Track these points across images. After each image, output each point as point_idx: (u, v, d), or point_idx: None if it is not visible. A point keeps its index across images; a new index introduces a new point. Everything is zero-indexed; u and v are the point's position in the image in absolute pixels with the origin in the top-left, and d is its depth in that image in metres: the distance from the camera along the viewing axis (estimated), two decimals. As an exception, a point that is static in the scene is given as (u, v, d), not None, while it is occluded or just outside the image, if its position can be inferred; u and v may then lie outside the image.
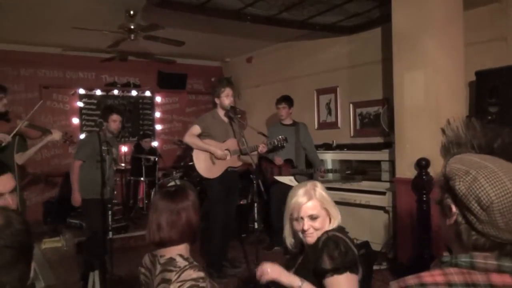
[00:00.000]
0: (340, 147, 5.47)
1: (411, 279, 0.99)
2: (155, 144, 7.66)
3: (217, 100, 4.20)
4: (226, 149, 4.16)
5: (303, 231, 1.77)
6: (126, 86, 7.64)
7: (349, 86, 5.80)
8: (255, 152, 4.33)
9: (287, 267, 1.92)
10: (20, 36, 6.09)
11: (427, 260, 3.45)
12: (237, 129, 4.22)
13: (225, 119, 4.22)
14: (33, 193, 6.53)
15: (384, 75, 5.08)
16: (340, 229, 1.82)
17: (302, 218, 1.77)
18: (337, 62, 5.91)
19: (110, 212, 3.68)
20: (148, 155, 6.73)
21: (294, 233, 1.85)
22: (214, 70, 8.32)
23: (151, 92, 7.87)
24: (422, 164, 3.60)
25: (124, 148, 7.22)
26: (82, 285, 3.77)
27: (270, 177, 4.87)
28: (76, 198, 3.93)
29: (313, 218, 1.77)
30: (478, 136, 1.02)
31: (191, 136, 4.13)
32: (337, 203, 1.90)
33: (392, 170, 4.43)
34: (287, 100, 4.99)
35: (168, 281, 1.55)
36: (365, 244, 3.73)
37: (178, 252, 1.64)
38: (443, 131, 1.06)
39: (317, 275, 1.69)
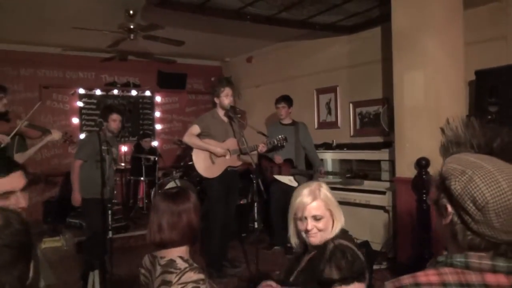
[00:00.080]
0: (340, 146, 5.47)
1: (406, 279, 0.99)
2: (155, 143, 7.66)
3: (216, 100, 4.20)
4: (226, 149, 4.17)
5: (307, 231, 1.76)
6: (126, 86, 7.65)
7: (349, 86, 5.80)
8: (255, 152, 4.33)
9: (291, 268, 1.92)
10: (20, 36, 6.09)
11: (427, 259, 3.43)
12: (237, 128, 4.22)
13: (225, 119, 4.22)
14: (33, 193, 6.52)
15: (384, 75, 5.08)
16: (344, 234, 1.80)
17: (306, 218, 1.76)
18: (337, 61, 5.90)
19: (110, 212, 3.68)
20: (148, 155, 6.73)
21: (298, 233, 1.84)
22: (214, 70, 8.32)
23: (151, 92, 7.87)
24: (422, 164, 3.60)
25: (124, 148, 7.22)
26: (82, 285, 3.78)
27: (269, 176, 4.87)
28: (76, 198, 3.94)
29: (317, 218, 1.75)
30: (477, 135, 1.02)
31: (191, 135, 4.14)
32: (337, 202, 1.89)
33: (392, 170, 4.43)
34: (286, 99, 4.99)
35: (168, 283, 1.55)
36: (365, 244, 3.74)
37: (178, 253, 1.65)
38: (442, 130, 1.06)
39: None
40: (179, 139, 6.23)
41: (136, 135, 7.53)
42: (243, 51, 7.42)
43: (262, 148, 4.33)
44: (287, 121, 5.02)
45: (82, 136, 6.89)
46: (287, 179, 4.73)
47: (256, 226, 4.13)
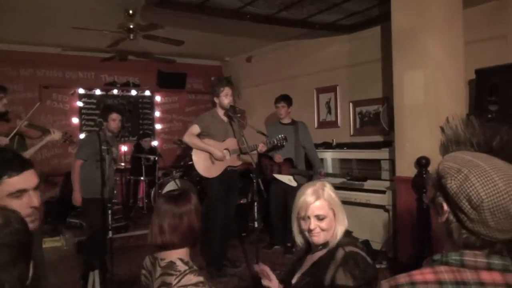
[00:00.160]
0: (340, 146, 5.47)
1: (401, 278, 0.99)
2: (155, 143, 7.66)
3: (216, 100, 4.20)
4: (226, 149, 4.16)
5: (309, 231, 1.75)
6: (126, 86, 7.65)
7: (348, 85, 5.80)
8: (255, 151, 4.33)
9: (293, 269, 1.91)
10: (20, 36, 6.09)
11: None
12: (236, 128, 4.22)
13: (225, 119, 4.21)
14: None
15: (383, 74, 5.08)
16: (350, 237, 1.80)
17: (309, 217, 1.75)
18: (336, 60, 5.90)
19: (110, 212, 3.68)
20: (148, 155, 6.73)
21: (302, 232, 1.83)
22: (214, 70, 8.32)
23: (151, 92, 7.87)
24: (422, 163, 3.60)
25: (124, 148, 7.22)
26: (82, 285, 3.78)
27: (269, 174, 4.87)
28: (77, 198, 3.94)
29: (320, 218, 1.74)
30: (477, 134, 1.02)
31: (191, 135, 4.13)
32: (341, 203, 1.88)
33: (392, 169, 4.43)
34: (286, 99, 4.99)
35: (168, 285, 1.56)
36: (365, 243, 3.74)
37: (178, 255, 1.65)
38: (442, 129, 1.07)
39: None
40: (179, 138, 6.24)
41: (136, 135, 7.53)
42: (243, 50, 7.42)
43: (261, 147, 4.33)
44: (286, 120, 5.01)
45: (82, 136, 6.89)
46: (287, 179, 4.73)
47: (256, 225, 4.13)
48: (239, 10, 4.70)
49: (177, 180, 6.27)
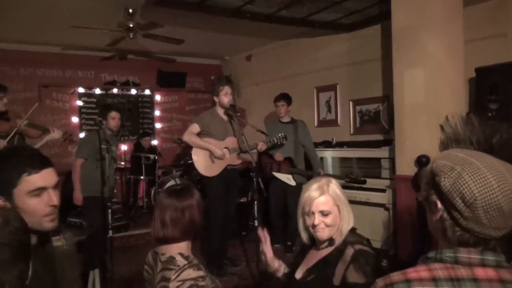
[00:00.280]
0: (340, 144, 5.47)
1: (396, 276, 0.99)
2: (154, 142, 7.67)
3: (216, 99, 4.20)
4: (225, 147, 4.16)
5: (314, 226, 1.74)
6: (126, 85, 7.64)
7: (348, 84, 5.79)
8: (255, 150, 4.33)
9: (296, 261, 1.92)
10: (19, 35, 6.09)
11: (427, 257, 3.45)
12: (236, 127, 4.22)
13: (225, 117, 4.21)
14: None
15: (383, 72, 5.08)
16: (357, 235, 1.80)
17: (313, 213, 1.74)
18: (336, 59, 5.90)
19: (110, 211, 3.68)
20: (148, 154, 6.73)
21: (307, 228, 1.82)
22: (214, 68, 8.31)
23: (151, 91, 7.87)
24: (422, 161, 3.59)
25: (124, 147, 7.22)
26: (82, 284, 3.78)
27: (268, 172, 4.87)
28: (78, 197, 3.95)
29: (324, 214, 1.73)
30: (476, 132, 1.02)
31: (190, 134, 4.13)
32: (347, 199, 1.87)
33: (392, 168, 4.43)
34: (285, 97, 4.98)
35: (167, 280, 1.57)
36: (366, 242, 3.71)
37: (179, 250, 1.66)
38: (441, 127, 1.07)
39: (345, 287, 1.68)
40: (179, 137, 6.24)
41: (135, 134, 7.53)
42: (243, 49, 7.41)
43: (261, 146, 4.33)
44: (286, 119, 5.01)
45: (82, 135, 6.90)
46: (286, 177, 4.72)
47: (256, 224, 4.13)
48: (239, 8, 4.70)
49: (177, 179, 6.27)
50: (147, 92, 7.85)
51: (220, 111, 4.20)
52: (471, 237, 0.95)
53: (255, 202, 3.95)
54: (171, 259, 1.63)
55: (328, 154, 5.49)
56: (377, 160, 4.80)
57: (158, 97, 7.98)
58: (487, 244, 0.95)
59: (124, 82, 7.64)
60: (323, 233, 1.75)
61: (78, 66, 7.15)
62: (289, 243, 4.76)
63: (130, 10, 4.89)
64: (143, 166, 6.62)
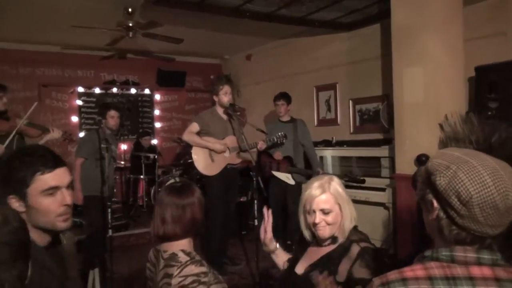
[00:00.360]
0: (340, 143, 5.47)
1: (392, 275, 1.00)
2: (154, 142, 7.67)
3: (215, 98, 4.20)
4: (225, 145, 4.17)
5: (315, 224, 1.74)
6: (125, 84, 7.64)
7: (348, 83, 5.79)
8: (255, 149, 4.34)
9: (296, 256, 1.92)
10: (19, 35, 6.08)
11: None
12: (236, 126, 4.22)
13: (224, 117, 4.22)
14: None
15: (383, 71, 5.08)
16: (362, 234, 1.80)
17: (314, 211, 1.74)
18: (336, 58, 5.90)
19: (109, 210, 3.68)
20: (148, 153, 6.74)
21: (308, 226, 1.82)
22: (213, 68, 8.31)
23: (150, 90, 7.87)
24: (422, 160, 3.59)
25: (123, 146, 7.22)
26: (82, 283, 3.78)
27: (268, 171, 4.86)
28: (79, 196, 3.95)
29: (325, 212, 1.73)
30: (475, 131, 1.02)
31: (190, 133, 4.14)
32: (349, 198, 1.87)
33: (392, 167, 4.43)
34: (285, 97, 4.98)
35: (170, 276, 1.57)
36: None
37: (181, 247, 1.67)
38: (441, 126, 1.07)
39: (350, 283, 1.68)
40: (179, 137, 6.24)
41: (135, 133, 7.53)
42: (243, 48, 7.41)
43: (261, 145, 4.33)
44: (285, 118, 5.00)
45: (82, 134, 6.90)
46: (285, 176, 4.72)
47: (256, 223, 4.13)
48: (239, 8, 4.70)
49: (177, 178, 6.28)
50: (147, 91, 7.85)
51: (220, 110, 4.20)
52: (467, 235, 0.95)
53: (255, 201, 3.96)
54: (173, 255, 1.63)
55: (328, 153, 5.49)
56: (377, 159, 4.81)
57: (157, 97, 7.98)
58: (484, 242, 0.96)
59: (124, 82, 7.63)
60: (324, 232, 1.75)
61: (77, 66, 7.14)
62: (288, 242, 4.76)
63: (130, 9, 4.89)
64: (143, 165, 6.62)
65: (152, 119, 7.94)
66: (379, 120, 5.27)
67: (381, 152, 4.73)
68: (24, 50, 6.59)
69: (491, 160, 0.95)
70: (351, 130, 5.73)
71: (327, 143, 5.58)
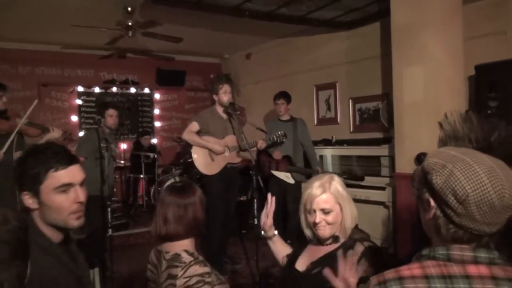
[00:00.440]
0: (340, 142, 5.47)
1: (389, 273, 1.00)
2: (154, 141, 7.67)
3: (215, 97, 4.20)
4: (225, 146, 4.16)
5: (315, 224, 1.75)
6: (125, 83, 7.64)
7: (348, 82, 5.79)
8: (254, 148, 4.33)
9: (295, 255, 1.92)
10: (18, 34, 6.08)
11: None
12: (236, 125, 4.22)
13: (224, 116, 4.21)
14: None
15: (383, 70, 5.07)
16: (363, 233, 1.80)
17: (314, 210, 1.74)
18: (336, 57, 5.89)
19: (109, 210, 3.68)
20: (148, 152, 6.73)
21: (309, 225, 1.82)
22: (213, 67, 8.31)
23: (150, 89, 7.87)
24: (422, 159, 3.56)
25: (123, 145, 7.21)
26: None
27: (267, 171, 4.87)
28: None
29: (325, 212, 1.73)
30: (475, 129, 1.02)
31: (190, 133, 4.13)
32: (350, 197, 1.87)
33: (392, 165, 4.43)
34: (285, 96, 4.98)
35: (174, 277, 1.57)
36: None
37: (183, 247, 1.66)
38: (440, 125, 1.07)
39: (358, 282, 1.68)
40: (178, 136, 6.23)
41: (135, 133, 7.53)
42: (242, 47, 7.41)
43: (261, 144, 4.33)
44: (285, 117, 5.00)
45: (81, 134, 6.89)
46: (284, 175, 4.71)
47: (256, 222, 4.13)
48: (238, 7, 4.69)
49: (176, 178, 6.28)
50: (147, 90, 7.84)
51: (220, 110, 4.20)
52: (465, 234, 0.95)
53: (255, 201, 3.95)
54: (176, 256, 1.63)
55: (328, 152, 5.49)
56: (377, 158, 4.80)
57: (157, 96, 7.98)
58: (481, 240, 0.96)
59: (123, 81, 7.63)
60: (324, 231, 1.75)
61: (77, 65, 7.14)
62: (288, 241, 4.76)
63: (129, 9, 4.88)
64: (143, 164, 6.62)
65: (151, 118, 7.94)
66: (379, 119, 5.27)
67: (381, 151, 4.73)
68: (24, 50, 6.59)
69: (488, 159, 0.95)
70: (351, 129, 5.73)
71: (327, 142, 5.58)
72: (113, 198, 4.98)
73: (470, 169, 0.93)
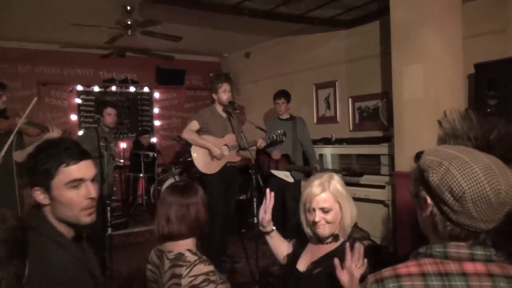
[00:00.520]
0: (339, 141, 5.47)
1: (387, 271, 1.01)
2: (154, 140, 7.66)
3: (214, 96, 4.19)
4: (225, 145, 4.16)
5: (314, 223, 1.75)
6: (124, 82, 7.63)
7: (348, 80, 5.79)
8: (254, 147, 4.33)
9: (295, 254, 1.92)
10: (18, 33, 6.07)
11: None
12: (235, 124, 4.22)
13: (224, 115, 4.21)
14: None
15: (383, 69, 5.07)
16: (362, 232, 1.80)
17: (314, 209, 1.74)
18: (335, 56, 5.89)
19: (109, 209, 3.68)
20: (147, 151, 6.73)
21: (309, 224, 1.82)
22: (213, 66, 8.30)
23: (150, 88, 7.86)
24: (421, 157, 3.59)
25: (123, 144, 7.21)
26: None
27: (266, 170, 4.86)
28: None
29: (325, 211, 1.73)
30: (474, 128, 1.02)
31: (189, 132, 4.13)
32: (350, 196, 1.86)
33: (392, 164, 4.43)
34: (285, 94, 4.98)
35: (179, 276, 1.57)
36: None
37: (186, 247, 1.66)
38: (439, 123, 1.07)
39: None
40: (178, 135, 6.23)
41: (135, 132, 7.52)
42: (242, 46, 7.40)
43: (261, 143, 4.33)
44: (285, 116, 5.00)
45: (81, 133, 6.89)
46: (283, 174, 4.71)
47: (255, 221, 4.14)
48: (237, 5, 4.68)
49: (176, 177, 6.28)
50: (146, 89, 7.84)
51: (219, 108, 4.20)
52: (462, 231, 0.96)
53: (255, 199, 3.95)
54: (180, 255, 1.63)
55: (328, 151, 5.48)
56: (377, 156, 4.80)
57: (157, 95, 7.98)
58: (478, 237, 0.96)
59: (123, 80, 7.62)
60: (323, 230, 1.75)
61: (76, 64, 7.13)
62: (288, 240, 4.76)
63: (128, 7, 4.88)
64: (142, 163, 6.61)
65: (151, 117, 7.93)
66: (378, 117, 5.27)
67: (381, 149, 4.73)
68: (23, 49, 6.58)
69: (484, 157, 0.95)
70: (351, 128, 5.73)
71: (327, 141, 5.58)
72: (112, 197, 4.99)
73: (466, 167, 0.93)
